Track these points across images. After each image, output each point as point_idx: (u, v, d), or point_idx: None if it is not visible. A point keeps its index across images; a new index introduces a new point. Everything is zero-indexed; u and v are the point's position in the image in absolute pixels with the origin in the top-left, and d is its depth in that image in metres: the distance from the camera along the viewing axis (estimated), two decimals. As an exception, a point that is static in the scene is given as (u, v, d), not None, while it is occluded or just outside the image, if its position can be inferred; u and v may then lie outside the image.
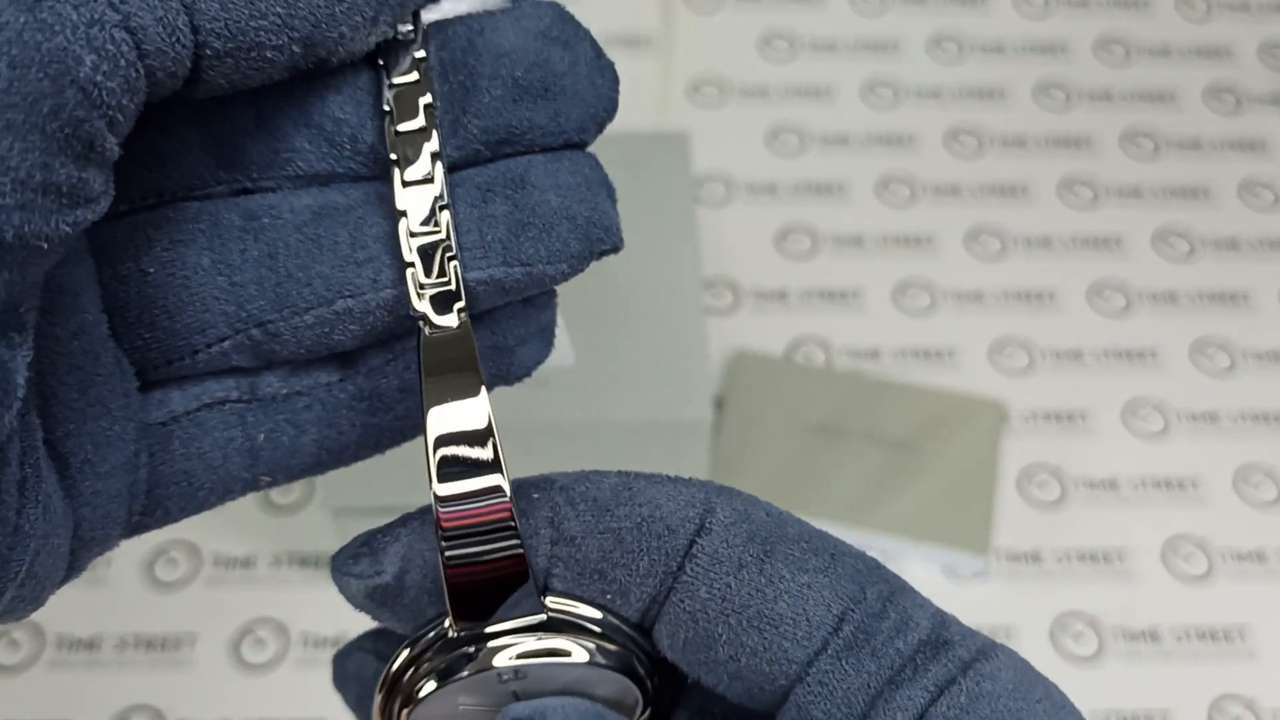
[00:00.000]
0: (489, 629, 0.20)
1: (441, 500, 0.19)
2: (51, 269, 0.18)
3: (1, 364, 0.16)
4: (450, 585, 0.19)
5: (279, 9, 0.17)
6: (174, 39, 0.16)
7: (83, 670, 0.46)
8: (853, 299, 0.57)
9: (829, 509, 0.49)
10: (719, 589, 0.19)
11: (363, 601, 0.20)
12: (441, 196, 0.20)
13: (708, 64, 0.65)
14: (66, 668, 0.46)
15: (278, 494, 0.50)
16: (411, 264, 0.19)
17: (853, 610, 0.19)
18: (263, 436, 0.21)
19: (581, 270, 0.21)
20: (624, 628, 0.21)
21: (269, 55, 0.18)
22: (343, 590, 0.20)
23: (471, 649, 0.20)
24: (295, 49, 0.18)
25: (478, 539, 0.19)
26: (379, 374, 0.21)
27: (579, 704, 0.19)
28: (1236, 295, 0.58)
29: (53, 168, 0.15)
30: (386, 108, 0.20)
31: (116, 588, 0.48)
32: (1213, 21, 0.68)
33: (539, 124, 0.20)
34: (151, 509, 0.20)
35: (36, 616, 0.47)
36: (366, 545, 0.20)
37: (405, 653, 0.20)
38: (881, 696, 0.19)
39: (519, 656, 0.20)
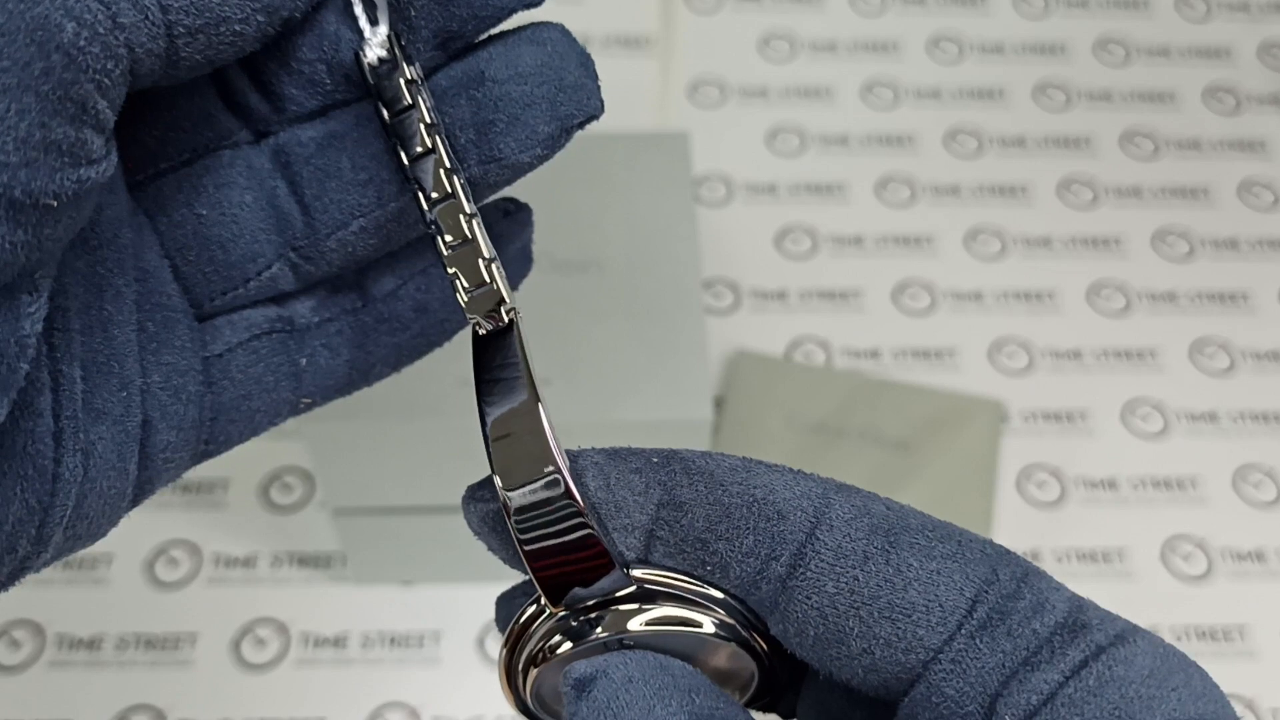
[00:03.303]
0: (585, 603, 0.20)
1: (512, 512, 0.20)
2: (115, 231, 0.20)
3: (12, 324, 0.17)
4: (538, 578, 0.20)
5: None
6: (144, 14, 0.18)
7: (83, 670, 0.46)
8: (853, 299, 0.57)
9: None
10: (846, 583, 0.19)
11: (479, 526, 0.21)
12: (424, 117, 0.21)
13: (708, 64, 0.65)
14: (67, 668, 0.46)
15: (278, 494, 0.50)
16: (416, 183, 0.21)
17: (986, 591, 0.19)
18: (304, 361, 0.23)
19: (562, 147, 0.22)
20: (729, 598, 0.21)
21: (237, 28, 0.19)
22: (466, 518, 0.21)
23: (594, 615, 0.21)
24: (259, 18, 0.19)
25: (550, 532, 0.20)
26: (394, 298, 0.24)
27: (643, 657, 0.19)
28: (1236, 295, 0.58)
29: (50, 127, 0.17)
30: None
31: (117, 587, 0.48)
32: (1212, 22, 0.68)
33: (475, 4, 0.21)
34: (216, 435, 0.22)
35: (36, 616, 0.47)
36: (488, 478, 0.21)
37: (531, 609, 0.21)
38: (1015, 676, 0.19)
39: (649, 624, 0.21)
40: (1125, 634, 0.19)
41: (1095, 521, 0.51)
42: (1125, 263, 0.58)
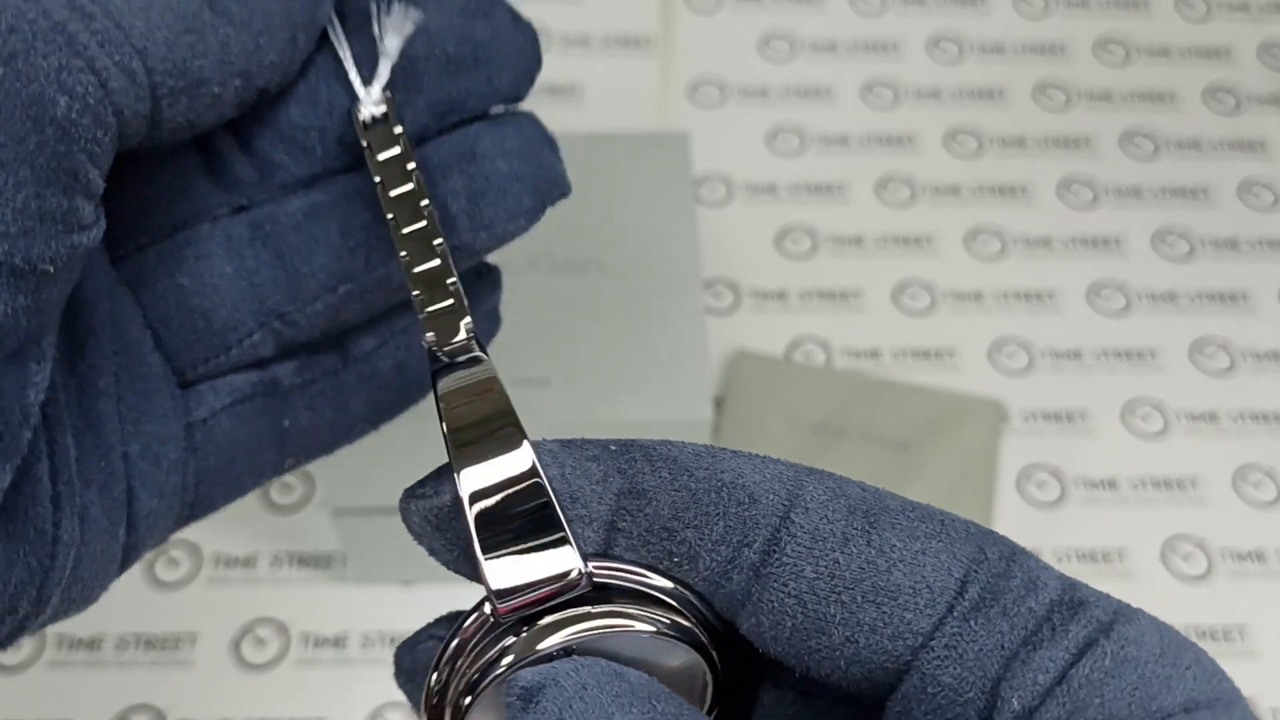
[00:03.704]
0: (534, 604, 0.19)
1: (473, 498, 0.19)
2: (94, 305, 0.21)
3: (19, 391, 0.18)
4: (488, 577, 0.19)
5: (215, 48, 0.20)
6: (132, 78, 0.19)
7: (83, 670, 0.46)
8: (853, 299, 0.57)
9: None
10: (826, 566, 0.18)
11: (420, 525, 0.20)
12: (418, 193, 0.22)
13: (708, 64, 0.65)
14: (67, 667, 0.46)
15: (278, 494, 0.50)
16: (405, 251, 0.22)
17: (976, 571, 0.18)
18: (288, 422, 0.24)
19: (538, 221, 0.24)
20: (687, 593, 0.19)
21: (215, 90, 0.20)
22: (405, 519, 0.20)
23: (514, 637, 0.19)
24: (236, 81, 0.21)
25: (506, 519, 0.19)
26: (375, 357, 0.24)
27: (595, 664, 0.18)
28: (1236, 295, 0.58)
29: (45, 197, 0.18)
30: (365, 130, 0.22)
31: (117, 587, 0.48)
32: (1212, 22, 0.68)
33: (476, 90, 0.23)
34: (200, 499, 0.23)
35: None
36: (434, 474, 0.20)
37: (473, 618, 0.19)
38: (1017, 658, 0.18)
39: (567, 634, 0.19)
40: (1124, 611, 0.18)
41: (1095, 521, 0.51)
42: (1125, 263, 0.58)
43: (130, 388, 0.22)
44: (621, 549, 0.19)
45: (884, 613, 0.18)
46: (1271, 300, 0.57)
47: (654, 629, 0.19)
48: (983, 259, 0.58)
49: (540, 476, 0.19)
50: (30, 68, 0.17)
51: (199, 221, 0.23)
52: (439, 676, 0.20)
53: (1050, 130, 0.63)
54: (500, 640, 0.19)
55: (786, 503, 0.19)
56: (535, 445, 0.19)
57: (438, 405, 0.20)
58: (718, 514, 0.19)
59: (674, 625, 0.20)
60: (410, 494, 0.20)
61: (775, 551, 0.18)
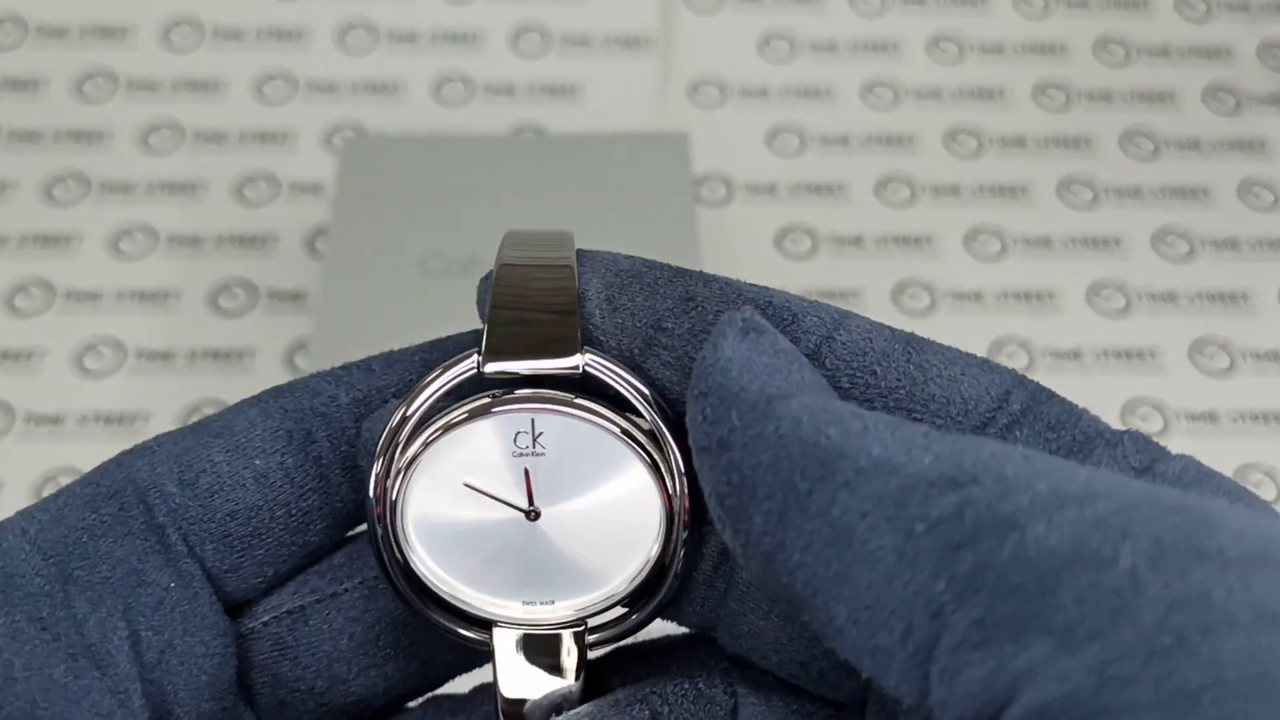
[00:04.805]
0: (519, 364, 0.19)
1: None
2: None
3: None
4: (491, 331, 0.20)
5: None
6: None
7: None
8: (853, 299, 0.57)
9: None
10: (862, 377, 0.18)
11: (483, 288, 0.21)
12: None
13: (708, 64, 0.65)
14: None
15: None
16: None
17: (1016, 392, 0.18)
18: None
19: None
20: (666, 429, 0.20)
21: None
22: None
23: (490, 395, 0.20)
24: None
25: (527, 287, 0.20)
26: None
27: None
28: (1236, 295, 0.58)
29: None
30: None
31: None
32: (1212, 21, 0.68)
33: None
34: None
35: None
36: None
37: (461, 366, 0.20)
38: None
39: (537, 407, 0.19)
40: (1166, 452, 0.18)
41: (1095, 521, 0.51)
42: (1125, 263, 0.58)
43: None
44: (661, 346, 0.19)
45: (917, 421, 0.18)
46: (1271, 300, 0.57)
47: (620, 432, 0.20)
48: (983, 259, 0.58)
49: (572, 264, 0.20)
50: None
51: None
52: (410, 410, 0.20)
53: (1050, 130, 0.63)
54: (474, 396, 0.20)
55: (830, 325, 0.19)
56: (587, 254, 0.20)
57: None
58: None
59: (642, 441, 0.20)
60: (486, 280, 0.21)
61: (815, 365, 0.18)
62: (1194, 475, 0.17)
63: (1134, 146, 0.63)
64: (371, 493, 0.20)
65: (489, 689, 0.22)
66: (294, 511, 0.21)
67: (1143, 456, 0.18)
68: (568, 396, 0.20)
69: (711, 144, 0.61)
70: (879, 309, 0.56)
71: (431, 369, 0.20)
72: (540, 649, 0.21)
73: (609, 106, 0.62)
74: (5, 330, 0.54)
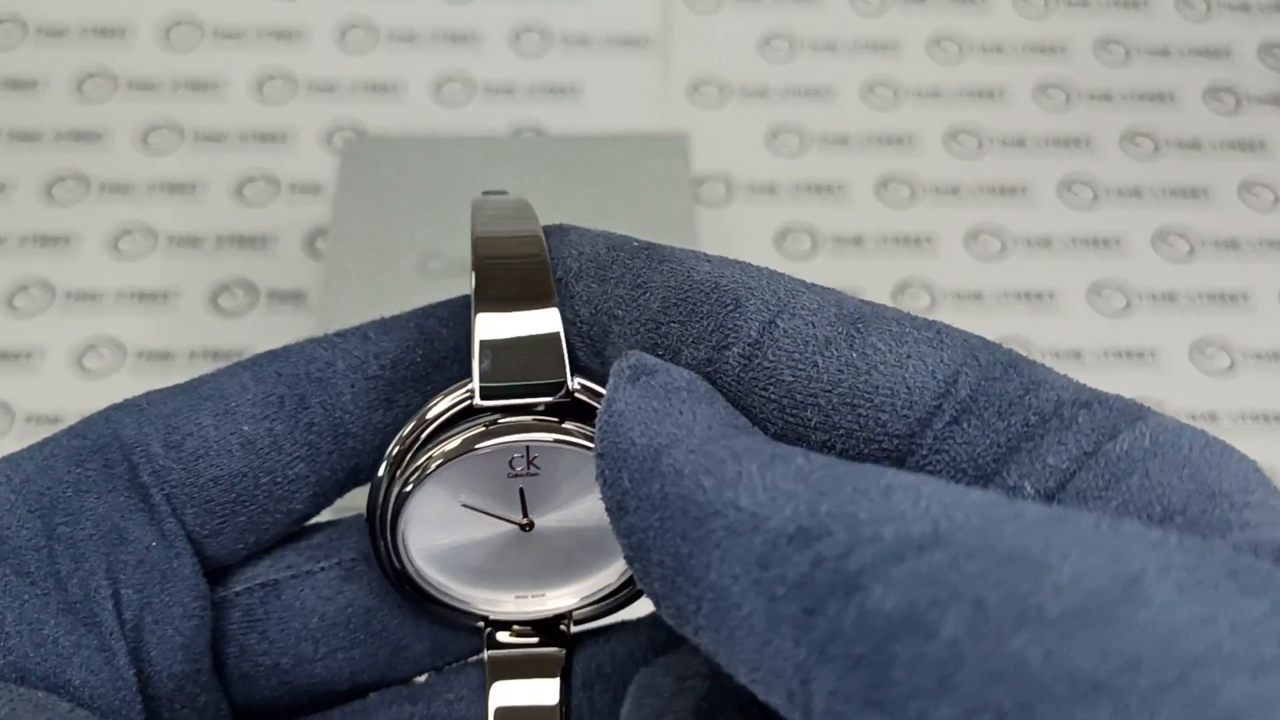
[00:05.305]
0: (511, 401, 0.20)
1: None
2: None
3: None
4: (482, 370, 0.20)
5: None
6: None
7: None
8: (853, 299, 0.57)
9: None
10: (804, 370, 0.18)
11: None
12: None
13: (708, 64, 0.65)
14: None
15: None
16: None
17: (965, 372, 0.17)
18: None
19: None
20: None
21: None
22: None
23: (485, 424, 0.20)
24: None
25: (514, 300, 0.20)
26: None
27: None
28: (1236, 295, 0.58)
29: None
30: None
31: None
32: (1213, 21, 0.68)
33: None
34: None
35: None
36: None
37: (450, 400, 0.20)
38: (1018, 452, 0.17)
39: (531, 437, 0.20)
40: (1142, 410, 0.17)
41: (1095, 521, 0.51)
42: (1125, 263, 0.58)
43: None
44: (615, 335, 0.19)
45: (860, 416, 0.17)
46: (1271, 300, 0.57)
47: None
48: (983, 259, 0.58)
49: (543, 250, 0.20)
50: None
51: None
52: (409, 433, 0.20)
53: (1050, 130, 0.63)
54: (470, 423, 0.20)
55: (775, 309, 0.18)
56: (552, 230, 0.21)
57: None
58: (702, 313, 0.19)
59: None
60: None
61: (757, 356, 0.18)
62: (1143, 450, 0.16)
63: (1134, 146, 0.63)
64: (373, 507, 0.21)
65: (445, 678, 0.22)
66: (279, 480, 0.21)
67: (1097, 435, 0.17)
68: (558, 424, 0.20)
69: (711, 144, 0.61)
70: (879, 309, 0.56)
71: (427, 335, 0.21)
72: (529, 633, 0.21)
73: (609, 106, 0.62)
74: (5, 330, 0.54)
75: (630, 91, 0.63)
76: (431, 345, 0.21)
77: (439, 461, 0.20)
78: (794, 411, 0.18)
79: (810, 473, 0.15)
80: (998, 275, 0.58)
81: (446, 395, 0.20)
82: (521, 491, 0.20)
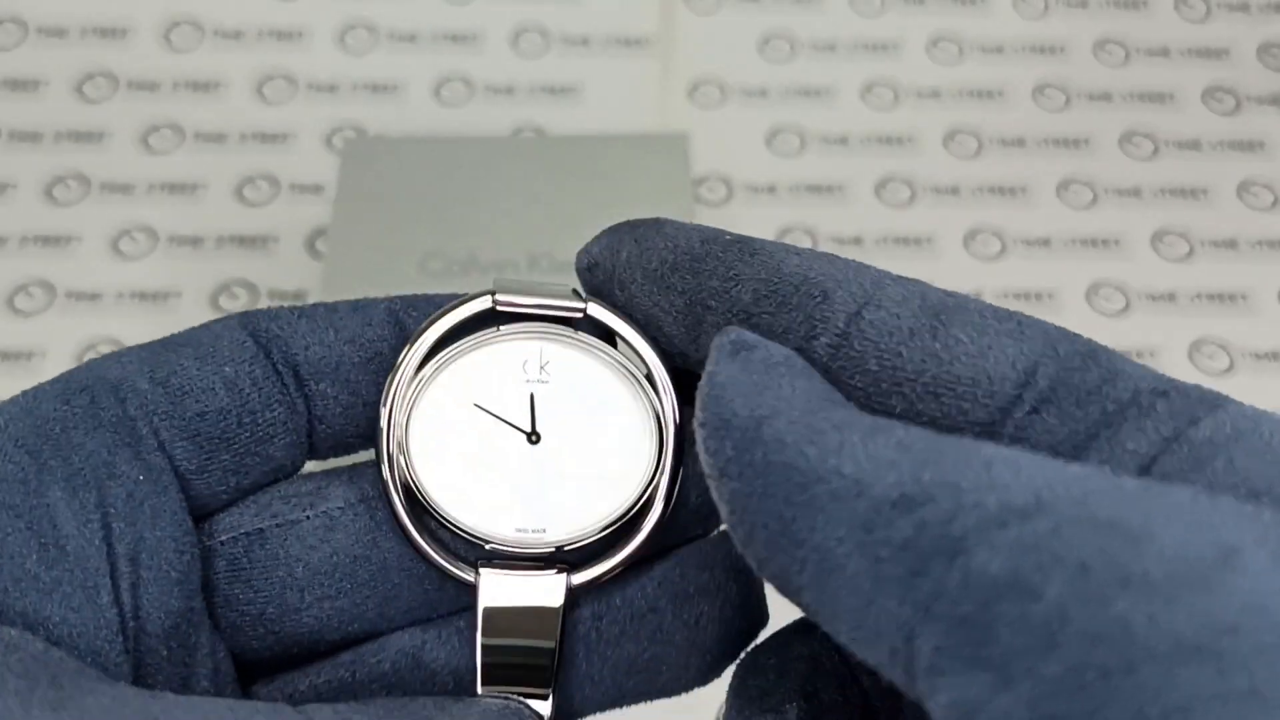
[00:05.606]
0: (531, 299, 0.21)
1: None
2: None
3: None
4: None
5: None
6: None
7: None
8: (852, 299, 0.57)
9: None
10: (889, 360, 0.18)
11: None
12: None
13: (708, 64, 0.65)
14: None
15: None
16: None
17: (1045, 363, 0.18)
18: None
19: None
20: (656, 350, 0.21)
21: None
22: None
23: (499, 327, 0.22)
24: None
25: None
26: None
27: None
28: (1236, 295, 0.58)
29: None
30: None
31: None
32: (1212, 22, 0.68)
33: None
34: None
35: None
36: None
37: (447, 316, 0.22)
38: (1097, 439, 0.17)
39: (543, 330, 0.22)
40: (1220, 398, 0.17)
41: (1095, 521, 0.51)
42: (1125, 263, 0.58)
43: None
44: (708, 325, 0.20)
45: (943, 404, 0.18)
46: (1271, 300, 0.57)
47: (621, 368, 0.22)
48: (983, 259, 0.58)
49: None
50: None
51: None
52: (425, 336, 0.22)
53: (1050, 130, 0.63)
54: (485, 325, 0.22)
55: (861, 300, 0.19)
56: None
57: None
58: (791, 304, 0.19)
59: (640, 381, 0.22)
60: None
61: (844, 346, 0.19)
62: (1225, 436, 0.17)
63: (1134, 146, 0.63)
64: (384, 407, 0.21)
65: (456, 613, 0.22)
66: (260, 421, 0.21)
67: (1176, 422, 0.17)
68: (573, 331, 0.22)
69: (711, 144, 0.61)
70: (879, 309, 0.56)
71: (397, 318, 0.22)
72: (525, 592, 0.21)
73: (609, 107, 0.62)
74: (5, 330, 0.54)
75: (630, 92, 0.63)
76: (397, 330, 0.22)
77: (453, 354, 0.21)
78: (880, 399, 0.19)
79: (911, 444, 0.16)
80: (997, 275, 0.58)
81: (465, 303, 0.22)
82: (532, 398, 0.21)
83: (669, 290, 0.21)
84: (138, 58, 0.63)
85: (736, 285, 0.20)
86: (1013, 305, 0.56)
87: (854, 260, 0.20)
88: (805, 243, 0.59)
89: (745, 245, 0.21)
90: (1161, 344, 0.56)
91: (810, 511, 0.16)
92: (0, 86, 0.62)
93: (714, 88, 0.64)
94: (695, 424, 0.18)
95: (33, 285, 0.55)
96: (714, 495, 0.18)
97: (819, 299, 0.19)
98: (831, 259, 0.20)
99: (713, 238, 0.21)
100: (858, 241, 0.59)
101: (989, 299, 0.57)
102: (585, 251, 0.23)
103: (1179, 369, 0.55)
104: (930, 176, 0.61)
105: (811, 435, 0.17)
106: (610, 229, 0.23)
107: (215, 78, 0.62)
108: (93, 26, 0.64)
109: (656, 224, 0.22)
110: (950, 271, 0.58)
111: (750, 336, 0.19)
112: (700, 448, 0.18)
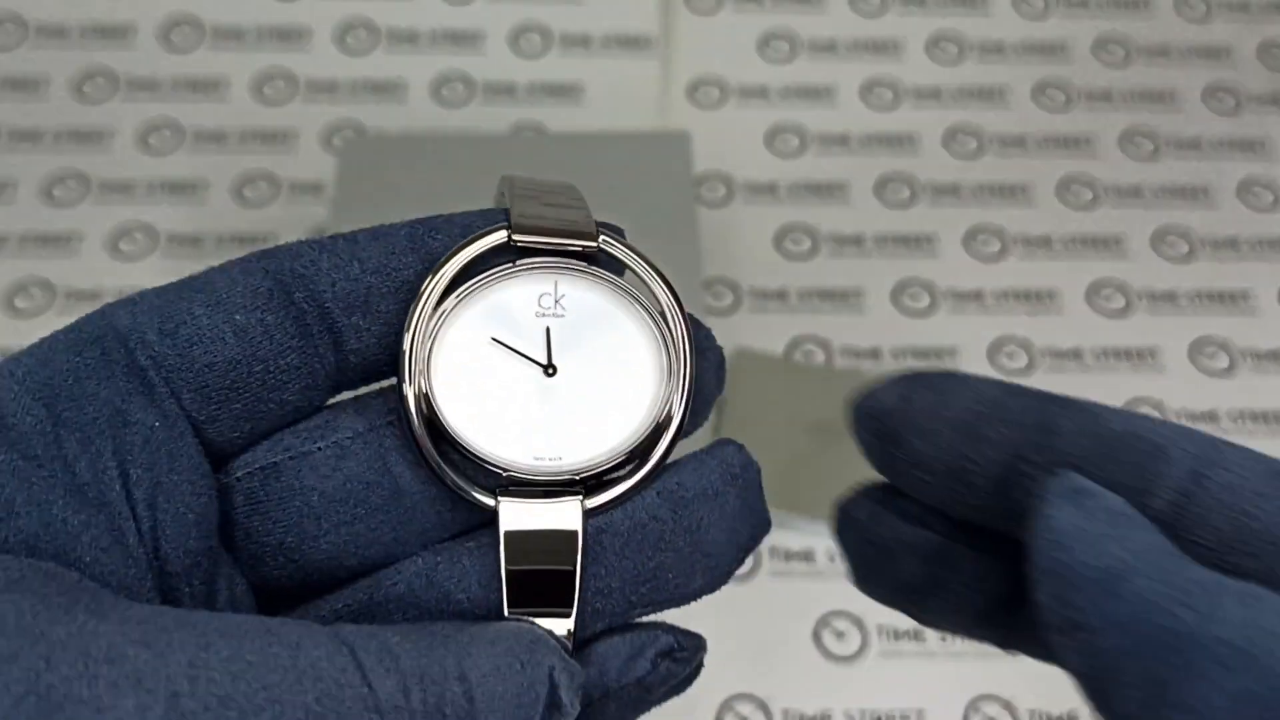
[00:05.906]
0: (546, 238, 0.22)
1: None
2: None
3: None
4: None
5: None
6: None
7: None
8: (853, 299, 0.57)
9: (829, 509, 0.49)
10: (1239, 521, 0.19)
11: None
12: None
13: (708, 64, 0.65)
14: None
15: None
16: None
17: None
18: None
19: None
20: (666, 283, 0.22)
21: None
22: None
23: (515, 261, 0.22)
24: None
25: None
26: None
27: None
28: (1236, 295, 0.58)
29: None
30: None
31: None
32: (1212, 22, 0.68)
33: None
34: None
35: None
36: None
37: (494, 234, 0.22)
38: None
39: (557, 263, 0.22)
40: None
41: (1095, 521, 0.51)
42: (1125, 263, 0.58)
43: None
44: (1018, 474, 0.20)
45: None
46: (1271, 300, 0.57)
47: (634, 301, 0.22)
48: (983, 259, 0.58)
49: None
50: None
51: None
52: (444, 269, 0.22)
53: (1050, 130, 0.63)
54: (503, 259, 0.22)
55: (1202, 459, 0.19)
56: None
57: None
58: (1119, 459, 0.19)
59: (653, 314, 0.22)
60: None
61: (1187, 503, 0.19)
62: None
63: (1134, 146, 0.63)
64: (405, 341, 0.22)
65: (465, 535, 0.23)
66: (272, 369, 0.21)
67: None
68: (587, 264, 0.22)
69: (711, 144, 0.61)
70: (879, 309, 0.56)
71: (418, 242, 0.22)
72: (544, 517, 0.22)
73: (609, 106, 0.62)
74: (5, 330, 0.54)
75: (630, 92, 0.63)
76: (421, 255, 0.22)
77: (471, 288, 0.22)
78: (1231, 559, 0.19)
79: None
80: (997, 275, 0.58)
81: (481, 238, 0.22)
82: (548, 331, 0.22)
83: (979, 441, 0.21)
84: (138, 58, 0.63)
85: (1054, 437, 0.20)
86: (1013, 305, 0.56)
87: (1170, 421, 0.20)
88: (805, 243, 0.59)
89: (1058, 399, 0.21)
90: (1161, 344, 0.56)
91: (1189, 678, 0.16)
92: (0, 86, 0.62)
93: (714, 88, 0.64)
94: (1031, 568, 0.18)
95: (33, 285, 0.55)
96: (1052, 642, 0.18)
97: (1153, 454, 0.19)
98: (1150, 418, 0.20)
99: (1018, 391, 0.21)
100: (858, 241, 0.59)
101: (989, 298, 0.57)
102: (872, 397, 0.22)
103: (1179, 369, 0.55)
104: (930, 176, 0.61)
105: (1181, 597, 0.17)
106: (898, 378, 0.23)
107: (215, 78, 0.62)
108: (93, 26, 0.64)
109: (951, 375, 0.22)
110: (950, 271, 0.58)
111: (1089, 484, 0.19)
112: (1039, 594, 0.18)
